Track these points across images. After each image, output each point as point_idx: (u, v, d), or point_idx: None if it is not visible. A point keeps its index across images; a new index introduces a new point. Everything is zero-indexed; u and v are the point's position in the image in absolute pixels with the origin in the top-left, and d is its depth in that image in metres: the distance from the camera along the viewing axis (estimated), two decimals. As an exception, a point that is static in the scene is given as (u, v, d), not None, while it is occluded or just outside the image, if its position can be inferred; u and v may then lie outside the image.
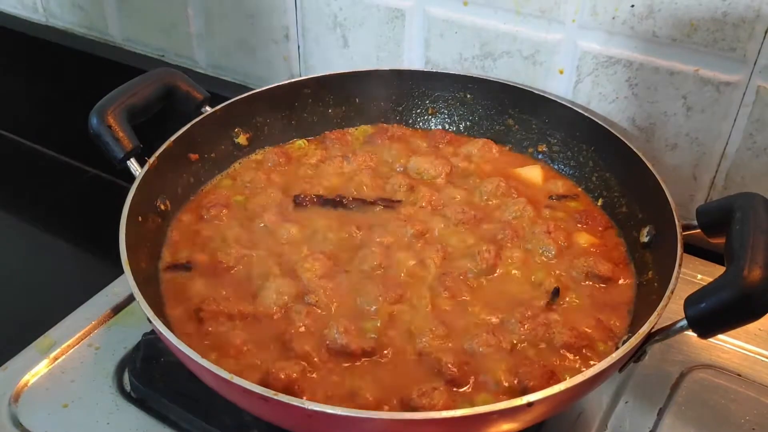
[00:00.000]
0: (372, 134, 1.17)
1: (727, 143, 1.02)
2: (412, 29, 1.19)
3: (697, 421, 0.87)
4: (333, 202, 1.01)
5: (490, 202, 1.02)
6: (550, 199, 1.04)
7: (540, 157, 1.12)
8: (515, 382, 0.77)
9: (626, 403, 0.88)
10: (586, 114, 1.05)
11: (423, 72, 1.18)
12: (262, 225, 0.98)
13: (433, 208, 1.01)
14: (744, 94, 0.97)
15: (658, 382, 0.91)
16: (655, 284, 0.85)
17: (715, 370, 0.93)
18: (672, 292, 0.75)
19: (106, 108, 0.94)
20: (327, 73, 1.17)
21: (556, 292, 0.87)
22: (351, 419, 0.64)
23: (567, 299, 0.88)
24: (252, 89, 1.12)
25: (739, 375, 0.92)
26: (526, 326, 0.83)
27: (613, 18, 1.01)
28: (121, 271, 0.79)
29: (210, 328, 0.83)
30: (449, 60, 1.19)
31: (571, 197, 1.04)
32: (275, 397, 0.65)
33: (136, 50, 1.56)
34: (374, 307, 0.85)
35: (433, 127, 1.19)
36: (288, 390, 0.74)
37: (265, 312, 0.85)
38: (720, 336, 0.94)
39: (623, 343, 0.72)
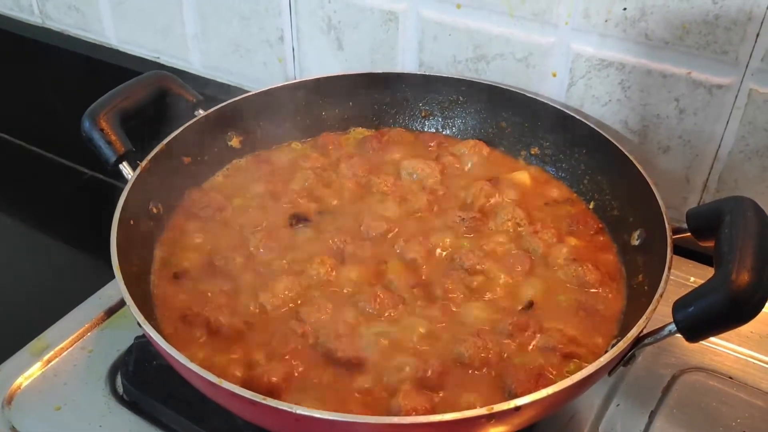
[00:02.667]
0: (366, 137, 1.17)
1: (719, 146, 1.02)
2: (405, 32, 1.20)
3: (689, 424, 0.87)
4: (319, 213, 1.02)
5: (480, 205, 1.02)
6: (546, 205, 1.03)
7: (532, 159, 1.12)
8: (503, 386, 0.77)
9: (618, 406, 0.89)
10: (578, 117, 1.05)
11: (416, 75, 1.18)
12: (251, 230, 0.98)
13: (424, 213, 1.01)
14: (736, 96, 0.98)
15: (650, 385, 0.91)
16: (646, 287, 0.85)
17: (707, 373, 0.93)
18: (661, 296, 0.75)
19: (99, 111, 0.94)
20: (321, 76, 1.18)
21: (529, 305, 0.88)
22: (339, 423, 0.65)
23: (556, 304, 0.88)
24: (247, 91, 1.13)
25: (731, 378, 0.92)
26: (513, 332, 0.83)
27: (606, 21, 1.01)
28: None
29: (200, 332, 0.83)
30: (443, 63, 1.19)
31: (564, 202, 1.04)
32: (263, 402, 0.65)
33: (131, 52, 1.56)
34: (364, 313, 0.86)
35: (426, 130, 1.19)
36: (274, 391, 0.75)
37: (256, 316, 0.86)
38: (712, 339, 0.94)
39: (612, 347, 0.72)
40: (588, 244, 0.97)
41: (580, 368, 0.71)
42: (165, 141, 0.99)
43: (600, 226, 1.00)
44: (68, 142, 1.54)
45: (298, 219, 1.00)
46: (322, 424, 0.64)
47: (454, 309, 0.87)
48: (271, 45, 1.35)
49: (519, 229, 0.97)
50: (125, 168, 0.94)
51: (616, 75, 1.05)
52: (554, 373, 0.79)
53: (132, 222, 0.89)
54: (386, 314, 0.85)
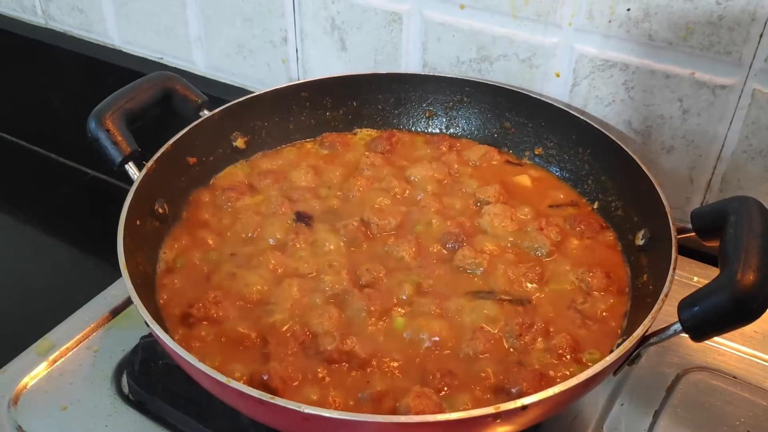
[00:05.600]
0: (376, 138, 1.17)
1: (723, 146, 1.02)
2: (409, 33, 1.20)
3: (693, 423, 0.87)
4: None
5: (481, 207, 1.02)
6: (550, 206, 1.04)
7: (536, 160, 1.12)
8: (507, 385, 0.77)
9: (622, 405, 0.89)
10: (582, 117, 1.05)
11: (420, 75, 1.18)
12: (255, 233, 0.98)
13: (431, 216, 1.01)
14: (740, 97, 0.98)
15: (654, 384, 0.91)
16: (650, 287, 0.85)
17: (711, 372, 0.93)
18: (666, 296, 0.76)
19: (104, 112, 0.95)
20: (325, 77, 1.18)
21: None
22: (346, 422, 0.65)
23: (560, 305, 0.88)
24: (250, 92, 1.13)
25: (735, 377, 0.93)
26: (520, 331, 0.83)
27: (610, 21, 1.02)
28: (120, 274, 0.79)
29: (205, 332, 0.84)
30: (446, 63, 1.20)
31: (568, 202, 1.05)
32: (271, 401, 0.65)
33: (134, 53, 1.57)
34: (369, 317, 0.86)
35: (430, 130, 1.20)
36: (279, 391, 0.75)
37: (262, 317, 0.86)
38: (716, 338, 0.94)
39: (617, 347, 0.73)
40: (592, 244, 0.97)
41: (583, 369, 0.71)
42: (170, 141, 0.99)
43: (604, 226, 1.00)
44: (71, 143, 1.56)
45: (301, 217, 1.00)
46: (330, 423, 0.65)
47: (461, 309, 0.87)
48: (275, 46, 1.36)
49: (516, 227, 0.98)
50: (131, 168, 0.94)
51: (619, 75, 1.05)
52: (557, 373, 0.79)
53: (138, 222, 0.90)
54: (387, 316, 0.86)
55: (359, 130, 1.19)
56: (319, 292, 0.89)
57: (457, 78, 1.16)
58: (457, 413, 0.65)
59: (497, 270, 0.92)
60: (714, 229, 0.78)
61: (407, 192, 1.05)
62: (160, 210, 0.97)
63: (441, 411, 0.73)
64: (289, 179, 1.08)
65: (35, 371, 0.93)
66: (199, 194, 1.05)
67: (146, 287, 0.86)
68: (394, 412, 0.74)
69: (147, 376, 0.90)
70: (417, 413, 0.71)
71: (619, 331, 0.85)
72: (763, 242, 0.71)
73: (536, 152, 1.12)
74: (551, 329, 0.84)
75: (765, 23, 0.92)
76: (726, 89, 0.98)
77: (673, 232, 0.83)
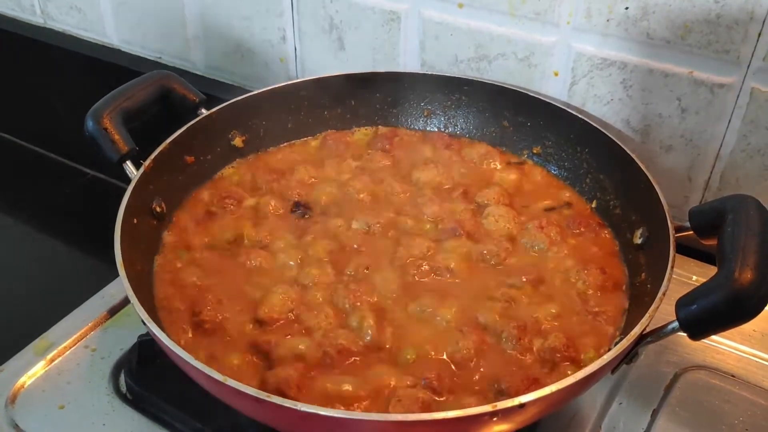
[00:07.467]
0: (377, 136, 1.17)
1: (721, 145, 1.02)
2: (407, 31, 1.20)
3: (691, 422, 0.87)
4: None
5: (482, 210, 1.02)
6: (547, 206, 1.04)
7: (535, 159, 1.12)
8: (503, 384, 0.77)
9: (620, 404, 0.89)
10: (580, 116, 1.05)
11: (418, 74, 1.18)
12: (252, 233, 0.98)
13: (434, 219, 1.01)
14: (738, 95, 0.98)
15: (653, 383, 0.91)
16: (648, 286, 0.85)
17: (710, 371, 0.93)
18: (664, 294, 0.75)
19: (102, 111, 0.94)
20: (323, 75, 1.18)
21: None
22: (343, 421, 0.65)
23: (558, 303, 0.88)
24: (249, 91, 1.13)
25: (734, 376, 0.92)
26: (516, 329, 0.83)
27: (608, 20, 1.02)
28: (118, 273, 0.79)
29: (206, 330, 0.84)
30: (445, 62, 1.19)
31: (566, 201, 1.05)
32: (268, 399, 0.65)
33: (133, 52, 1.57)
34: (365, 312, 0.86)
35: (428, 129, 1.20)
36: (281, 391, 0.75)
37: (265, 317, 0.86)
38: (714, 337, 0.94)
39: (615, 345, 0.72)
40: (590, 243, 0.97)
41: (580, 368, 0.71)
42: (168, 140, 0.99)
43: (602, 225, 1.00)
44: (70, 142, 1.56)
45: (297, 207, 1.01)
46: (327, 421, 0.64)
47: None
48: (273, 45, 1.36)
49: (517, 227, 0.98)
50: (128, 167, 0.94)
51: (617, 74, 1.05)
52: (552, 375, 0.79)
53: (135, 221, 0.89)
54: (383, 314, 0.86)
55: (357, 129, 1.19)
56: (314, 289, 0.89)
57: (455, 77, 1.16)
58: (454, 411, 0.64)
59: (495, 270, 0.92)
60: (712, 228, 0.78)
61: (407, 192, 1.05)
62: (158, 209, 0.97)
63: (438, 409, 0.73)
64: (287, 178, 1.08)
65: (33, 370, 0.93)
66: (197, 193, 1.05)
67: (143, 286, 0.86)
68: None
69: (144, 375, 0.90)
70: (414, 412, 0.71)
71: (617, 330, 0.84)
72: (761, 241, 0.71)
73: (534, 151, 1.12)
74: (548, 328, 0.84)
75: (763, 22, 0.92)
76: (724, 88, 0.98)
77: (671, 231, 0.83)
